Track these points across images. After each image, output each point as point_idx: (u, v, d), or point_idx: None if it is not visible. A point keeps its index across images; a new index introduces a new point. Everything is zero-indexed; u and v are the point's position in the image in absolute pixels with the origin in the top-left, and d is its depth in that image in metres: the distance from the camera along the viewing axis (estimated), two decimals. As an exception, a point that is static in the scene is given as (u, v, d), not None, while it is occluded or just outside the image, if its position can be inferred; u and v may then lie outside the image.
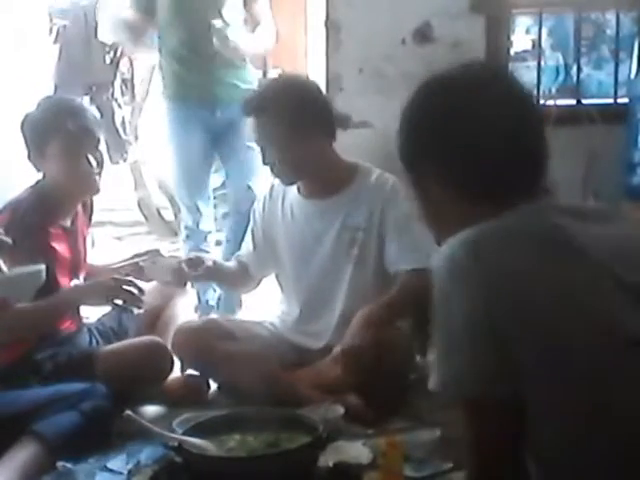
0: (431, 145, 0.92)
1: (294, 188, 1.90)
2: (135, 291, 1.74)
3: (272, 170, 1.85)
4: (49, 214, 1.78)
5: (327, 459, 1.40)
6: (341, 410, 1.62)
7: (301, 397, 1.69)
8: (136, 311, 1.86)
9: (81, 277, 1.90)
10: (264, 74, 4.72)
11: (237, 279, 2.03)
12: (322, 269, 1.85)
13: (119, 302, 1.76)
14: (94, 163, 1.80)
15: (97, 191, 1.85)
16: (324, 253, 1.85)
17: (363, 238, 1.81)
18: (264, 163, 1.85)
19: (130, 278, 1.80)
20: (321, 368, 1.78)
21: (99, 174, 1.83)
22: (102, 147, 1.85)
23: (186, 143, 2.39)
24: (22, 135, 1.80)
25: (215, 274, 1.97)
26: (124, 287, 1.74)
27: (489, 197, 0.89)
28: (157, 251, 1.93)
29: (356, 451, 1.48)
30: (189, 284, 1.98)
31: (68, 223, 1.85)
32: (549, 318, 0.79)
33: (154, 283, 1.98)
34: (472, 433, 0.84)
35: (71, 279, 1.85)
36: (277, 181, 1.95)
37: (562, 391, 0.80)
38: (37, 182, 1.83)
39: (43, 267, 1.48)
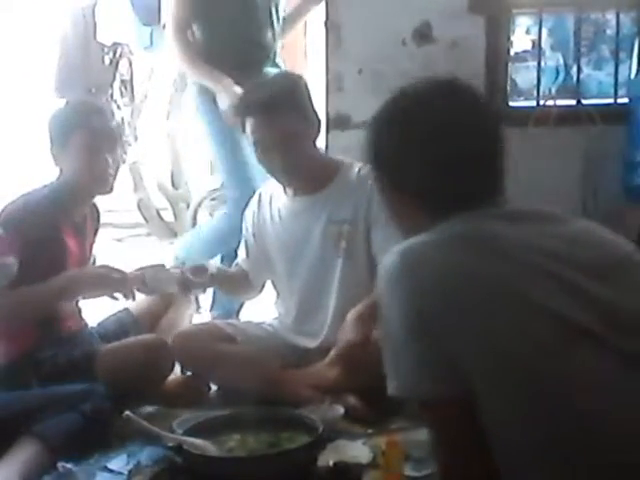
0: (386, 151, 0.98)
1: (280, 190, 1.91)
2: (126, 282, 1.76)
3: (270, 170, 1.84)
4: (61, 207, 1.81)
5: (327, 459, 1.40)
6: (341, 410, 1.62)
7: (301, 397, 1.69)
8: (124, 301, 1.85)
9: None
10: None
11: (239, 285, 2.03)
12: (312, 266, 1.85)
13: (110, 292, 1.78)
14: (111, 162, 1.84)
15: (110, 190, 1.88)
16: (313, 250, 1.85)
17: (350, 231, 1.81)
18: (260, 163, 1.84)
19: (122, 270, 1.80)
20: (320, 368, 1.78)
21: (114, 175, 1.86)
22: (120, 151, 1.89)
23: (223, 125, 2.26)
24: (48, 128, 1.85)
25: (218, 281, 1.97)
26: (114, 276, 1.75)
27: (436, 204, 0.94)
28: (162, 265, 1.94)
29: (356, 451, 1.48)
30: (194, 293, 1.98)
31: (79, 221, 1.87)
32: (478, 318, 0.83)
33: None
34: (433, 434, 0.87)
35: (74, 267, 1.85)
36: (264, 189, 1.96)
37: (501, 387, 0.82)
38: (46, 185, 1.85)
39: (13, 261, 1.48)
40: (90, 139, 1.80)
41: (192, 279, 1.87)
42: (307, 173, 1.84)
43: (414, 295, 0.85)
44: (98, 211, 1.99)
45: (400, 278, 0.87)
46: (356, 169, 1.85)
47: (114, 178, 1.87)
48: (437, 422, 0.86)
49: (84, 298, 1.87)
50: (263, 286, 2.05)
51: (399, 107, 0.98)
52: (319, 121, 1.86)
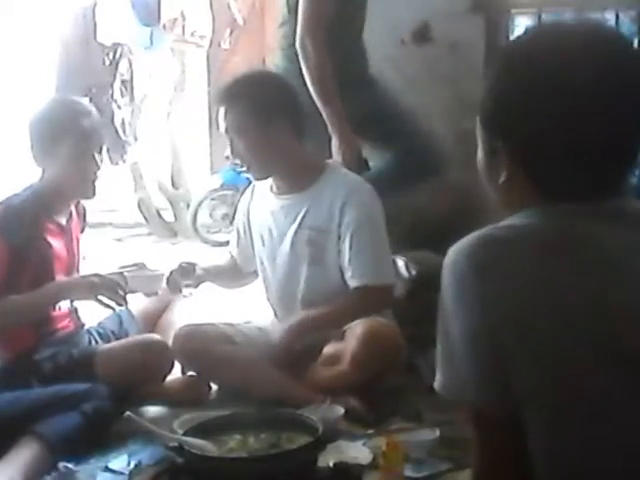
0: (512, 106, 0.79)
1: (268, 186, 1.92)
2: (117, 290, 1.76)
3: (241, 163, 1.86)
4: (45, 208, 1.80)
5: (327, 459, 1.40)
6: (341, 410, 1.62)
7: (301, 397, 1.70)
8: (118, 308, 1.85)
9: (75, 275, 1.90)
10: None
11: (230, 276, 2.05)
12: (284, 266, 1.87)
13: (102, 299, 1.77)
14: (99, 164, 1.83)
15: (94, 195, 1.88)
16: (285, 251, 1.87)
17: (319, 238, 1.82)
18: (233, 156, 1.85)
19: (113, 277, 1.81)
20: (315, 369, 1.78)
21: (98, 177, 1.86)
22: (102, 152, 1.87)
23: None
24: (30, 132, 1.82)
25: (206, 279, 1.98)
26: (106, 284, 1.75)
27: (551, 185, 0.79)
28: (142, 264, 1.94)
29: (356, 451, 1.48)
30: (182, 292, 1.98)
31: (63, 221, 1.86)
32: (549, 341, 0.74)
33: None
34: (475, 438, 0.82)
35: (67, 273, 1.85)
36: (257, 181, 1.96)
37: (558, 416, 0.75)
38: (31, 185, 1.84)
39: None
40: (81, 143, 1.79)
41: (180, 280, 1.88)
42: (283, 172, 1.84)
43: (484, 303, 0.75)
44: (84, 209, 1.99)
45: (471, 277, 0.75)
46: (338, 176, 1.85)
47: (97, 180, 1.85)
48: (479, 429, 0.80)
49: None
50: (255, 276, 2.05)
51: (543, 56, 0.78)
52: (301, 121, 1.83)
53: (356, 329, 1.72)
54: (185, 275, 1.90)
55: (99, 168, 1.84)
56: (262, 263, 1.95)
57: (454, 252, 0.78)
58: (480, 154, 0.84)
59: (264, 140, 1.78)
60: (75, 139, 1.79)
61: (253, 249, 1.97)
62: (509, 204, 0.82)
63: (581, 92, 0.76)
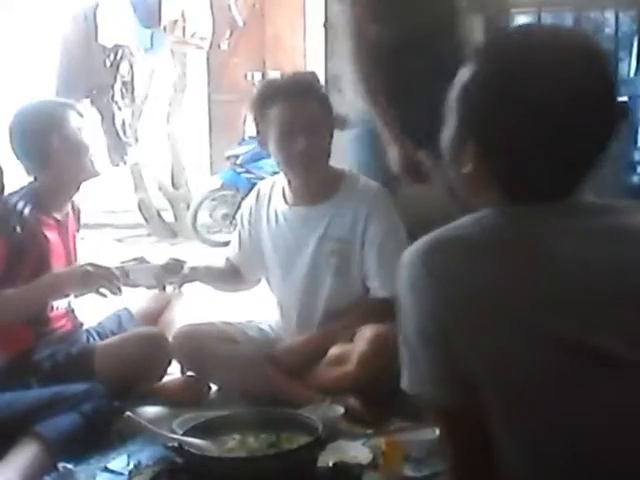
0: (481, 108, 0.82)
1: (279, 194, 1.90)
2: (112, 278, 1.76)
3: (290, 156, 1.78)
4: (42, 204, 1.80)
5: (327, 459, 1.40)
6: (341, 410, 1.62)
7: (301, 397, 1.69)
8: (111, 297, 1.82)
9: None
10: (263, 76, 4.73)
11: (227, 280, 2.02)
12: (304, 277, 1.85)
13: (98, 288, 1.77)
14: (87, 143, 1.84)
15: (98, 172, 1.88)
16: (305, 262, 1.84)
17: (344, 250, 1.81)
18: (281, 149, 1.79)
19: (107, 266, 1.80)
20: (320, 369, 1.78)
21: (92, 156, 1.86)
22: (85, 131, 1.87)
23: None
24: (18, 147, 1.81)
25: (196, 278, 1.94)
26: (101, 273, 1.75)
27: (512, 184, 0.81)
28: (142, 258, 1.94)
29: (356, 451, 1.48)
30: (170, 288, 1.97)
31: (60, 217, 1.87)
32: (498, 339, 0.76)
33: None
34: (443, 434, 0.85)
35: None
36: (263, 185, 1.95)
37: (509, 413, 0.77)
38: (23, 187, 1.84)
39: None
40: (70, 134, 1.80)
41: (165, 275, 1.86)
42: (322, 170, 1.83)
43: (432, 297, 0.78)
44: (79, 210, 1.99)
45: (420, 276, 0.78)
46: (359, 185, 1.84)
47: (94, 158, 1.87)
48: (446, 425, 0.83)
49: (73, 296, 1.86)
50: (258, 281, 2.04)
51: (511, 56, 0.81)
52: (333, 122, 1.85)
53: (366, 332, 1.71)
54: (170, 272, 1.87)
55: (88, 148, 1.84)
56: (274, 273, 1.92)
57: (409, 253, 0.81)
58: (447, 135, 0.85)
59: (328, 139, 1.81)
60: (60, 136, 1.79)
61: (262, 257, 1.94)
62: (471, 193, 0.85)
63: (545, 98, 0.78)
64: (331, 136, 1.83)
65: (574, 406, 0.75)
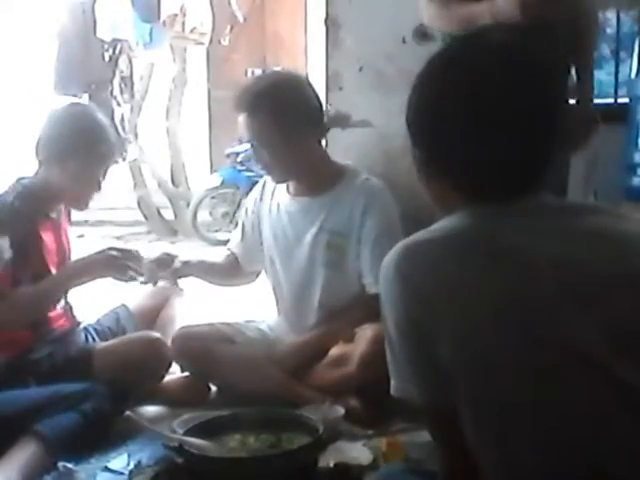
0: (422, 118, 0.88)
1: (283, 186, 1.90)
2: (135, 260, 1.76)
3: (263, 168, 1.85)
4: (37, 204, 1.79)
5: (327, 460, 1.40)
6: (341, 411, 1.62)
7: (301, 398, 1.69)
8: (140, 280, 1.82)
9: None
10: (263, 72, 4.72)
11: (224, 274, 2.01)
12: (301, 269, 1.85)
13: (122, 272, 1.77)
14: (101, 186, 1.83)
15: (85, 209, 1.88)
16: (302, 253, 1.85)
17: (340, 243, 1.81)
18: (256, 161, 1.85)
19: (126, 248, 1.80)
20: (321, 369, 1.78)
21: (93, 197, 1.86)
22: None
23: None
24: (46, 130, 1.79)
25: (190, 273, 1.93)
26: (125, 255, 1.76)
27: (470, 188, 0.86)
28: (136, 251, 1.92)
29: (356, 452, 1.48)
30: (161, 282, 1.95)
31: (54, 215, 1.86)
32: (468, 333, 0.79)
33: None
34: (433, 435, 0.87)
35: (60, 264, 1.84)
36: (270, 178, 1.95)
37: (481, 408, 0.80)
38: (21, 178, 1.82)
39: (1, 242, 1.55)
40: (92, 166, 1.78)
41: (156, 269, 1.84)
42: (301, 174, 1.83)
43: (405, 298, 0.82)
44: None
45: (395, 280, 0.83)
46: (359, 179, 1.84)
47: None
48: (435, 425, 0.86)
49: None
50: (257, 274, 2.04)
51: (444, 70, 0.87)
52: (320, 121, 1.83)
53: (367, 332, 1.71)
54: (161, 266, 1.85)
55: (99, 189, 1.83)
56: (273, 264, 1.92)
57: (386, 258, 0.86)
58: (412, 154, 0.91)
59: (285, 147, 1.75)
60: (88, 160, 1.77)
61: (262, 248, 1.95)
62: (437, 203, 0.91)
63: (484, 107, 0.83)
64: (309, 137, 1.78)
65: (544, 402, 0.77)
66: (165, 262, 1.86)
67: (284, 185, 1.89)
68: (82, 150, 1.76)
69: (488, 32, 0.90)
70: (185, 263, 1.90)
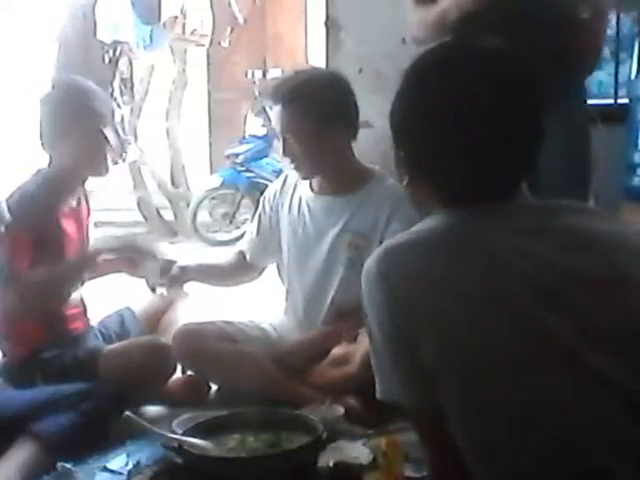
0: (404, 121, 0.91)
1: (306, 182, 1.90)
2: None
3: (291, 162, 1.83)
4: (57, 192, 1.80)
5: (327, 459, 1.40)
6: (341, 410, 1.62)
7: (301, 397, 1.69)
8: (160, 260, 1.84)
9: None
10: (264, 74, 4.73)
11: (227, 274, 2.01)
12: (317, 266, 1.86)
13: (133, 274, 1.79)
14: (109, 140, 1.84)
15: (107, 171, 1.88)
16: (322, 252, 1.85)
17: (362, 244, 1.81)
18: (284, 154, 1.83)
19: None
20: (322, 369, 1.78)
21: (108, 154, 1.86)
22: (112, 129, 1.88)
23: None
24: (41, 116, 1.81)
25: (190, 278, 1.94)
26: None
27: (448, 190, 0.88)
28: (153, 254, 1.92)
29: (356, 451, 1.48)
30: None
31: (74, 204, 1.87)
32: (450, 332, 0.80)
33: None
34: (420, 437, 0.88)
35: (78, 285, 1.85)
36: (292, 172, 1.93)
37: (463, 402, 0.81)
38: (40, 169, 1.84)
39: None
40: (92, 121, 1.80)
41: (154, 278, 1.85)
42: (328, 171, 1.83)
43: (387, 300, 0.84)
44: (87, 195, 1.98)
45: (376, 281, 0.85)
46: (387, 184, 1.84)
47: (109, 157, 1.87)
48: (420, 427, 0.87)
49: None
50: (262, 270, 2.04)
51: (426, 74, 0.90)
52: (353, 122, 1.82)
53: None
54: (161, 273, 1.85)
55: (109, 143, 1.84)
56: (288, 261, 1.92)
57: (368, 262, 0.87)
58: (395, 157, 0.93)
59: (317, 142, 1.75)
60: (86, 119, 1.79)
61: (277, 243, 1.94)
62: (418, 203, 0.94)
63: (458, 115, 0.84)
64: (339, 137, 1.79)
65: (525, 396, 0.78)
66: (163, 269, 1.87)
67: (307, 182, 1.89)
68: (77, 118, 1.78)
69: (472, 37, 0.95)
70: (183, 269, 1.90)
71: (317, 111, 1.74)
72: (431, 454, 0.87)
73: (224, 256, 2.08)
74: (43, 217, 1.72)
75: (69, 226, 1.82)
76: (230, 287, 2.12)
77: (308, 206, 1.89)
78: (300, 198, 1.91)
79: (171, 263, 1.89)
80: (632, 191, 2.65)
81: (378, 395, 0.87)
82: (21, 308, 1.69)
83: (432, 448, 0.86)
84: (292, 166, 1.85)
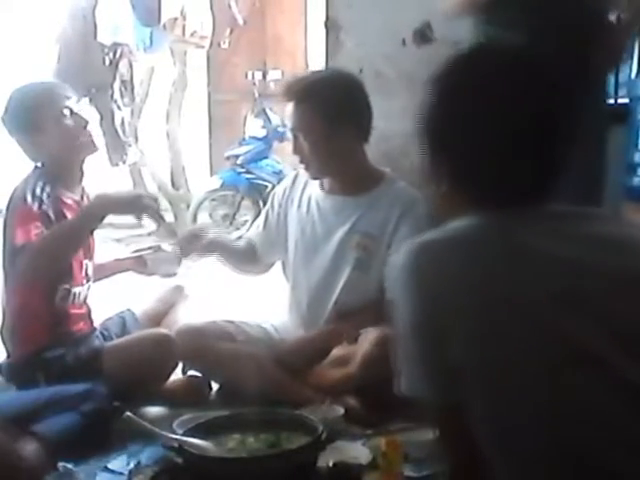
0: (434, 123, 0.91)
1: (317, 181, 1.90)
2: (156, 206, 1.78)
3: (301, 161, 1.84)
4: (58, 182, 1.80)
5: (327, 459, 1.40)
6: (341, 410, 1.62)
7: (301, 397, 1.70)
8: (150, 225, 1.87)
9: (90, 263, 1.89)
10: (263, 75, 4.73)
11: (244, 259, 2.01)
12: (324, 265, 1.86)
13: (142, 213, 1.80)
14: (85, 117, 1.84)
15: (96, 148, 1.88)
16: (329, 251, 1.85)
17: (370, 245, 1.81)
18: (294, 152, 1.83)
19: (153, 195, 1.84)
20: (322, 369, 1.78)
21: (91, 131, 1.86)
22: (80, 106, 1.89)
23: None
24: (12, 129, 1.82)
25: (219, 248, 1.95)
26: (147, 199, 1.77)
27: (476, 193, 0.90)
28: (158, 246, 1.94)
29: (356, 451, 1.48)
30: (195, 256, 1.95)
31: (78, 196, 1.87)
32: (476, 328, 0.81)
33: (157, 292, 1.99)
34: (440, 434, 0.87)
35: (85, 256, 1.85)
36: (303, 170, 1.93)
37: (490, 402, 0.81)
38: (36, 167, 1.84)
39: None
40: (59, 107, 1.80)
41: (187, 244, 1.85)
42: (338, 172, 1.83)
43: (419, 296, 0.85)
44: (88, 194, 1.98)
45: (410, 275, 0.85)
46: (397, 186, 1.85)
47: (92, 133, 1.87)
48: (441, 423, 0.87)
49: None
50: (270, 265, 2.03)
51: (457, 77, 0.91)
52: (366, 125, 1.82)
53: (371, 334, 1.72)
54: (194, 240, 1.86)
55: (88, 121, 1.84)
56: (294, 258, 1.92)
57: (401, 257, 0.88)
58: (422, 161, 0.93)
59: (328, 141, 1.76)
60: (50, 110, 1.79)
61: (284, 240, 1.94)
62: (450, 210, 0.92)
63: (500, 114, 0.86)
64: (351, 138, 1.80)
65: (555, 400, 0.78)
66: (196, 236, 1.88)
67: (317, 181, 1.89)
68: (41, 115, 1.78)
69: (501, 19, 0.95)
70: (212, 241, 1.91)
71: (328, 111, 1.75)
72: (450, 451, 0.87)
73: (240, 242, 2.06)
74: (46, 206, 1.72)
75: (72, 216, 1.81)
76: (243, 274, 2.10)
77: (318, 204, 1.89)
78: (310, 196, 1.91)
79: (204, 230, 1.91)
80: (633, 191, 2.65)
81: (403, 390, 0.86)
82: (29, 273, 1.66)
83: (451, 446, 0.86)
84: (302, 165, 1.85)
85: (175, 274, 1.94)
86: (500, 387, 0.80)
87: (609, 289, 0.82)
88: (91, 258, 1.90)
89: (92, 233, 1.85)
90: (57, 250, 1.69)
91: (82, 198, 1.89)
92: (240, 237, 2.05)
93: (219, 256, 1.97)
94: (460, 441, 0.84)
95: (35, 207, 1.70)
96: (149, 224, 4.89)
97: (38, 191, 1.74)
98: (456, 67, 0.92)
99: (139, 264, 1.93)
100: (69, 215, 1.80)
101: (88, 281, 1.87)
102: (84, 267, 1.86)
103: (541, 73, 0.89)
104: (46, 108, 1.80)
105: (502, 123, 0.86)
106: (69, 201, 1.83)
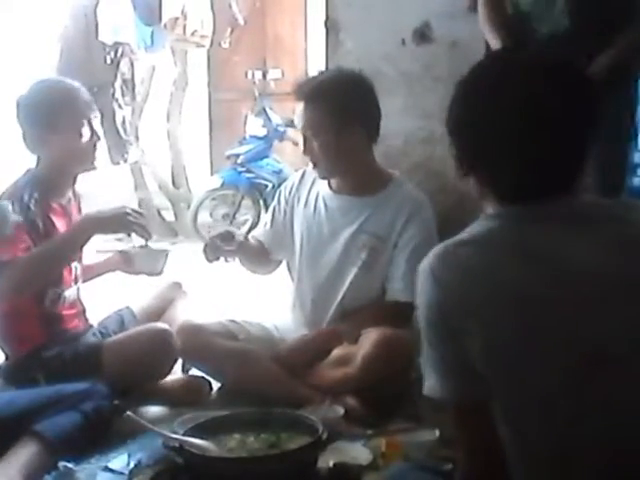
0: (460, 119, 0.94)
1: (327, 181, 1.90)
2: (142, 222, 1.78)
3: (310, 161, 1.84)
4: (45, 190, 1.80)
5: (327, 460, 1.41)
6: (341, 411, 1.63)
7: (301, 397, 1.70)
8: (138, 242, 1.85)
9: (79, 265, 1.90)
10: (264, 74, 4.73)
11: (259, 258, 2.01)
12: (329, 264, 1.86)
13: (129, 231, 1.80)
14: (97, 132, 1.85)
15: (95, 166, 1.87)
16: (336, 250, 1.85)
17: (376, 246, 1.81)
18: (304, 153, 1.83)
19: (139, 210, 1.84)
20: (323, 369, 1.78)
21: (98, 150, 1.87)
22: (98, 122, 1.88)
23: None
24: (22, 120, 1.81)
25: (245, 250, 1.94)
26: (132, 216, 1.77)
27: (501, 188, 0.91)
28: (145, 244, 1.93)
29: (356, 452, 1.49)
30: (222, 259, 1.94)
31: (65, 201, 1.87)
32: (500, 333, 0.82)
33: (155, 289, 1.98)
34: (458, 434, 0.88)
35: (72, 260, 1.85)
36: (310, 168, 1.93)
37: (509, 402, 0.82)
38: (29, 169, 1.84)
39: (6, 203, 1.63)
40: (78, 116, 1.80)
41: (221, 245, 1.85)
42: (347, 172, 1.83)
43: (440, 299, 0.86)
44: (79, 195, 1.99)
45: (429, 280, 0.87)
46: (406, 189, 1.85)
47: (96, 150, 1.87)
48: (462, 423, 0.87)
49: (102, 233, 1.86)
50: (279, 263, 2.03)
51: (488, 74, 0.93)
52: (375, 126, 1.82)
53: (371, 334, 1.72)
54: (224, 242, 1.86)
55: (98, 137, 1.84)
56: (300, 257, 1.92)
57: (424, 261, 0.90)
58: (452, 156, 0.96)
59: (336, 141, 1.76)
60: (70, 114, 1.79)
61: (290, 238, 1.94)
62: (481, 197, 0.94)
63: (522, 108, 0.87)
64: (359, 139, 1.80)
65: (574, 401, 0.79)
66: (228, 237, 1.88)
67: (325, 180, 1.89)
68: (61, 115, 1.78)
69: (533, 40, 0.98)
70: (243, 243, 1.91)
71: (337, 111, 1.75)
72: (466, 452, 0.87)
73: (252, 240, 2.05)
74: (33, 215, 1.72)
75: (59, 223, 1.82)
76: (257, 273, 2.09)
77: (325, 203, 1.89)
78: (317, 194, 1.91)
79: (233, 233, 1.91)
80: (633, 191, 2.65)
81: (425, 391, 0.89)
82: (14, 289, 1.67)
83: (468, 446, 0.87)
84: (311, 165, 1.86)
85: (161, 272, 1.92)
86: (520, 388, 0.81)
87: (630, 288, 0.83)
88: (80, 260, 1.90)
89: (81, 249, 1.85)
90: (43, 269, 1.71)
91: (70, 202, 1.89)
92: (254, 237, 2.03)
93: (242, 258, 1.96)
94: (477, 442, 0.85)
95: (21, 219, 1.70)
96: (149, 224, 4.91)
97: (26, 198, 1.73)
98: (482, 67, 0.94)
99: (126, 263, 1.92)
100: (56, 220, 1.80)
101: (77, 282, 1.87)
102: (73, 270, 1.86)
103: (571, 74, 0.90)
104: (69, 109, 1.79)
105: (527, 118, 0.86)
106: (56, 206, 1.83)
